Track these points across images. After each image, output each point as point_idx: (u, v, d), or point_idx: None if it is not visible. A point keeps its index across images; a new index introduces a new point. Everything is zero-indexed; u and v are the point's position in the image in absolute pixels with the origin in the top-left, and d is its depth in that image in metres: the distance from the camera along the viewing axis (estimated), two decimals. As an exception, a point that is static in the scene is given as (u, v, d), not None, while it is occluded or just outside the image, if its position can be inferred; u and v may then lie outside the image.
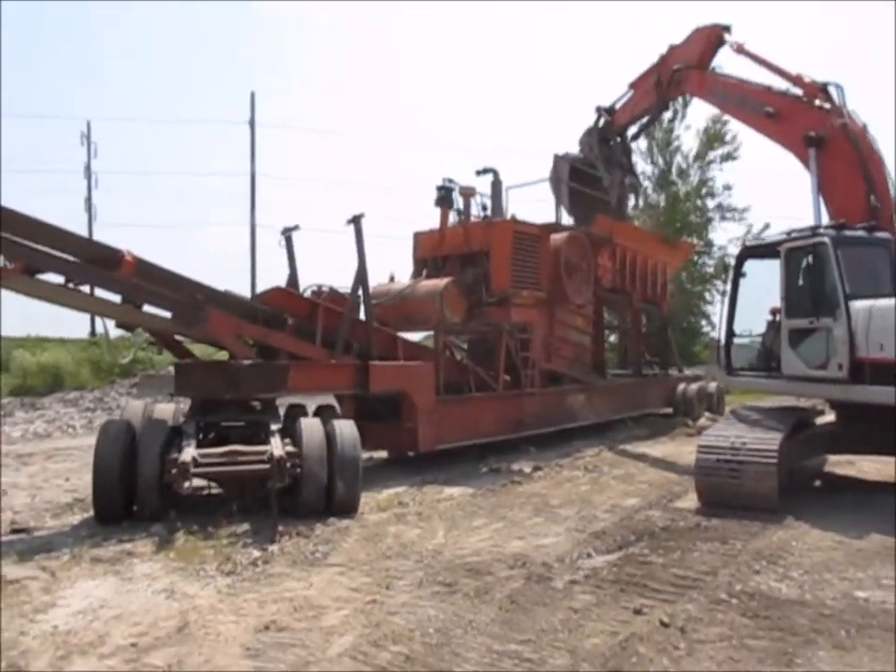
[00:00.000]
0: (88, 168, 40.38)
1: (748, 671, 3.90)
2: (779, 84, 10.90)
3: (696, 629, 4.43)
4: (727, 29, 12.57)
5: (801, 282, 8.33)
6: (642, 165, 30.06)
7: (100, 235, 37.31)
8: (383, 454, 11.20)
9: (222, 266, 61.42)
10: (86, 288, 7.22)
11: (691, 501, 7.91)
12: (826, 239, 7.91)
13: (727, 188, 29.23)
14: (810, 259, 8.16)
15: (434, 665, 3.98)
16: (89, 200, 40.10)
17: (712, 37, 12.58)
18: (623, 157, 15.51)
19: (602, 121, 15.18)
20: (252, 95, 37.92)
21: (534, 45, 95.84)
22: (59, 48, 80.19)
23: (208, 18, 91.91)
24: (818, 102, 10.03)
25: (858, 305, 7.57)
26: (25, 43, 69.13)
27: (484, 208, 12.19)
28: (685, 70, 12.76)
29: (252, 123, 37.59)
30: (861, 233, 8.37)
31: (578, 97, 79.99)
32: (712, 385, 16.68)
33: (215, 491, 7.98)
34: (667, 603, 4.89)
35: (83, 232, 37.95)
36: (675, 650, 4.14)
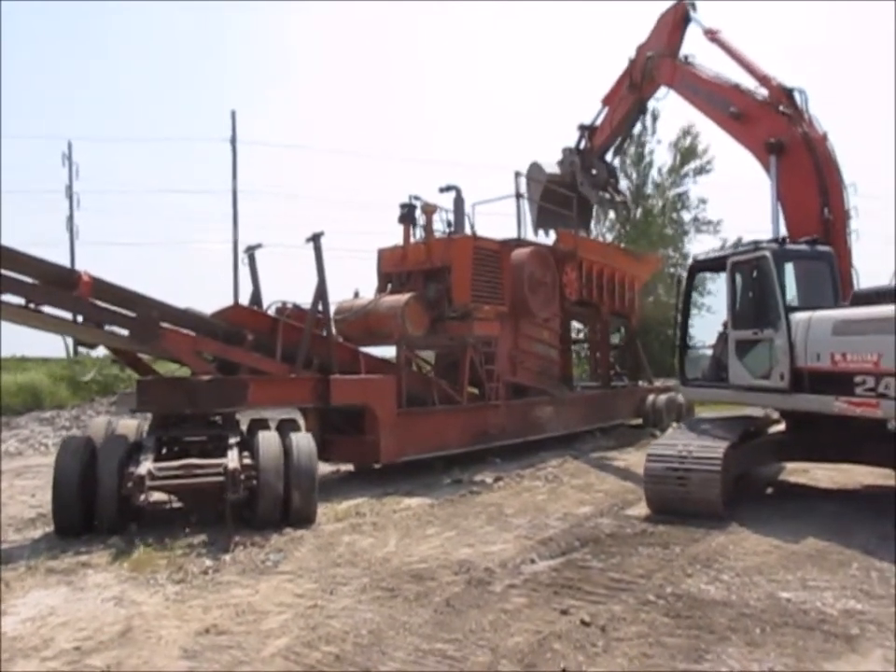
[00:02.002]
0: (70, 188, 40.41)
1: (657, 666, 4.12)
2: (750, 83, 10.76)
3: (617, 628, 4.66)
4: (692, 5, 12.31)
5: (745, 294, 8.63)
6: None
7: (82, 254, 37.48)
8: (350, 466, 11.39)
9: (206, 283, 61.54)
10: (48, 309, 7.43)
11: (642, 509, 8.13)
12: (767, 253, 8.21)
13: (702, 201, 29.67)
14: (753, 272, 8.46)
15: (361, 663, 4.18)
16: (70, 219, 40.11)
17: (677, 16, 12.37)
18: (608, 177, 15.63)
19: (584, 142, 15.24)
20: (233, 114, 38.02)
21: (504, 59, 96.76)
22: (41, 68, 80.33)
23: (188, 35, 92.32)
24: (781, 107, 10.05)
25: (798, 317, 7.86)
26: (4, 61, 69.20)
27: (449, 224, 12.44)
28: (657, 58, 12.58)
29: (233, 141, 37.79)
30: (803, 247, 8.73)
31: (549, 111, 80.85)
32: (681, 396, 16.92)
33: (177, 505, 8.16)
34: (596, 604, 5.10)
35: (65, 252, 38.14)
36: (592, 647, 4.36)
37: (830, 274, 8.69)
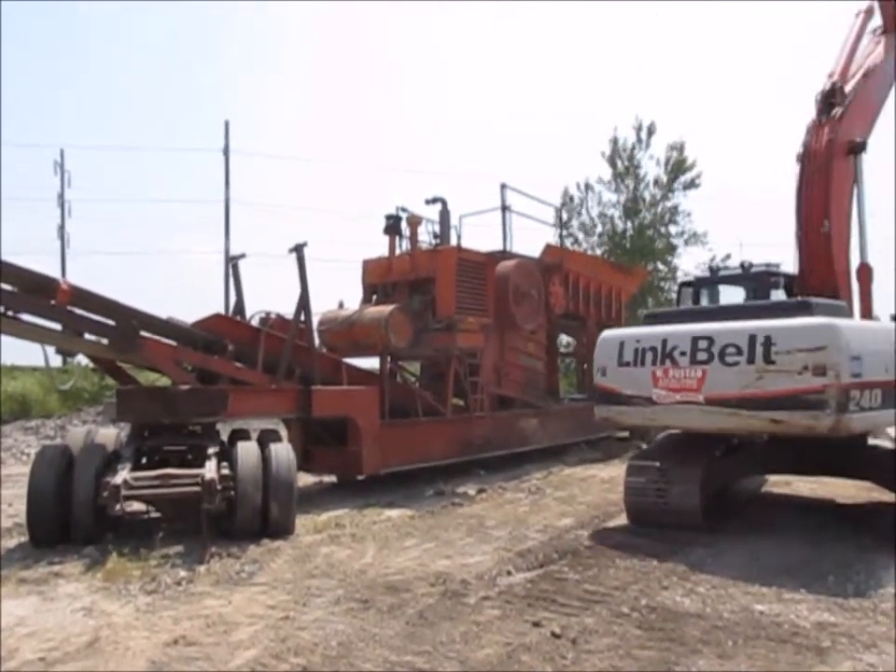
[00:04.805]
0: (61, 196, 40.42)
1: (625, 678, 4.10)
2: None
3: (588, 640, 4.63)
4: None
5: None
6: (608, 194, 30.55)
7: (73, 263, 37.49)
8: (333, 477, 11.35)
9: (199, 293, 61.47)
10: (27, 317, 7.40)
11: (624, 521, 8.12)
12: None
13: (687, 214, 29.68)
14: None
15: (327, 675, 4.16)
16: (62, 228, 40.09)
17: (863, 21, 10.78)
18: None
19: None
20: (226, 123, 38.20)
21: (508, 66, 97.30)
22: (32, 75, 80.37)
23: (182, 44, 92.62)
24: (816, 113, 9.53)
25: None
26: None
27: (436, 236, 12.46)
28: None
29: (226, 151, 37.90)
30: (734, 272, 9.68)
31: (550, 120, 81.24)
32: (668, 409, 16.92)
33: (155, 515, 8.11)
34: (569, 616, 5.08)
35: (56, 261, 38.06)
36: (561, 659, 4.34)
37: (766, 294, 9.05)
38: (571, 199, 30.39)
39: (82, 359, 9.08)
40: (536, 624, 4.89)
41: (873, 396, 6.74)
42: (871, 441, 8.34)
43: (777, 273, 9.08)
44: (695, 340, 7.14)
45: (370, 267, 12.40)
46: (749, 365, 6.73)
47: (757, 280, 9.01)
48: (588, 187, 30.49)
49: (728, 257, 29.16)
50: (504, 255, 12.90)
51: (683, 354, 7.19)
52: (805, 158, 9.41)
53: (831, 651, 4.45)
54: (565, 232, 27.92)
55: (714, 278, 9.92)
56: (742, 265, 9.25)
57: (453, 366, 11.55)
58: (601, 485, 10.85)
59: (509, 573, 6.20)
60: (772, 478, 10.36)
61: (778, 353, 6.59)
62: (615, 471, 12.07)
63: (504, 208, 13.10)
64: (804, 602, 5.35)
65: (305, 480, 10.83)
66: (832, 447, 8.12)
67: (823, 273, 9.18)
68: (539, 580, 5.99)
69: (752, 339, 6.75)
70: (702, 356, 7.05)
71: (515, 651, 4.42)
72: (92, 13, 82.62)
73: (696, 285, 10.04)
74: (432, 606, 5.34)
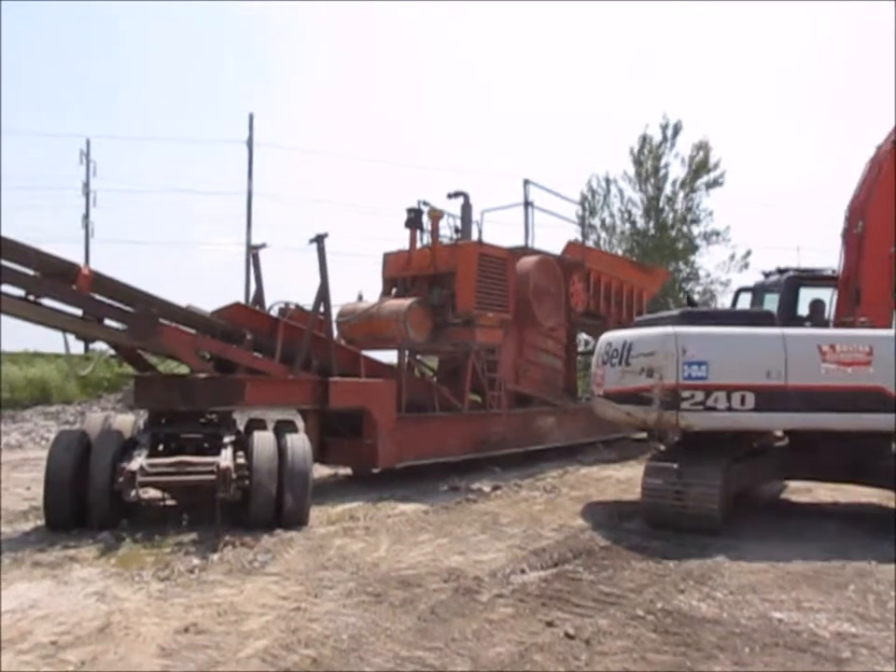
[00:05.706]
0: (86, 185, 40.86)
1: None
2: None
3: (602, 642, 4.56)
4: None
5: None
6: (630, 192, 30.22)
7: (97, 252, 37.90)
8: (348, 470, 11.34)
9: (219, 284, 61.87)
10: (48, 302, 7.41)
11: (640, 523, 8.03)
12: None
13: (709, 213, 29.28)
14: None
15: (337, 668, 4.12)
16: (86, 217, 40.56)
17: None
18: None
19: None
20: (251, 116, 38.44)
21: (522, 66, 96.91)
22: (59, 66, 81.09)
23: (207, 38, 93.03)
24: None
25: None
26: (25, 60, 69.97)
27: (457, 230, 12.37)
28: None
29: (250, 143, 38.10)
30: (773, 279, 10.20)
31: (558, 124, 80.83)
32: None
33: (170, 502, 8.13)
34: (583, 617, 5.00)
35: (80, 249, 38.43)
36: (574, 660, 4.27)
37: (795, 296, 9.75)
38: (594, 193, 30.09)
39: (103, 347, 9.11)
40: (549, 624, 4.83)
41: (735, 398, 7.41)
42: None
43: (805, 277, 9.07)
44: (607, 345, 8.45)
45: (390, 260, 12.32)
46: (619, 366, 8.01)
47: (786, 284, 9.06)
48: (609, 181, 30.19)
49: (748, 254, 28.95)
50: (525, 251, 12.80)
51: (602, 355, 8.51)
52: (873, 158, 9.27)
53: (851, 663, 4.35)
54: (588, 228, 27.75)
55: (764, 283, 10.63)
56: (779, 270, 9.48)
57: (471, 361, 11.48)
58: (617, 486, 10.74)
59: (522, 571, 6.14)
60: (792, 484, 10.22)
61: (633, 357, 7.83)
62: (631, 472, 11.96)
63: (527, 204, 12.99)
64: (823, 611, 5.24)
65: (321, 471, 10.82)
66: (854, 453, 8.00)
67: (853, 274, 9.05)
68: (553, 579, 5.92)
69: (624, 345, 7.99)
70: (605, 358, 8.40)
71: (528, 650, 4.37)
72: (120, 4, 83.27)
73: (756, 291, 10.84)
74: (444, 602, 5.29)
